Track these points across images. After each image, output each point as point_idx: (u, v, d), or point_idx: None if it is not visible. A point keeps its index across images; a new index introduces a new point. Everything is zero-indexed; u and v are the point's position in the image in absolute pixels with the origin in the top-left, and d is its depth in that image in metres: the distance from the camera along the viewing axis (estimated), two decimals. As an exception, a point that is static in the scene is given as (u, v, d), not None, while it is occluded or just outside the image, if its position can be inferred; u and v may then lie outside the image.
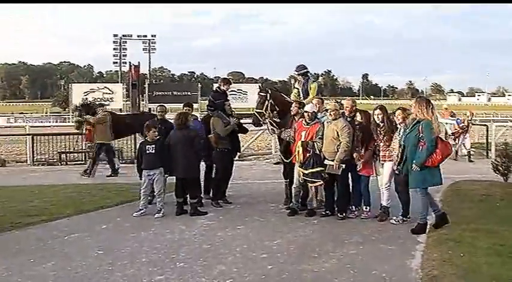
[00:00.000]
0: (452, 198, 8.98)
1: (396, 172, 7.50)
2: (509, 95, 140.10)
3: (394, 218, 7.76)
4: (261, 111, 8.72)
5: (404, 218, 7.69)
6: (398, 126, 7.59)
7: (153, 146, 8.38)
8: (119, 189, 10.52)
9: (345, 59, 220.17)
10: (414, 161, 6.98)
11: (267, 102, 8.71)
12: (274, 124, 8.88)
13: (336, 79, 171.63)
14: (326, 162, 7.94)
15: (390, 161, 7.70)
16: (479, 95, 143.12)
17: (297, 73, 9.44)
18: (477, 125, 22.38)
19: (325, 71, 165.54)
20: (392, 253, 6.36)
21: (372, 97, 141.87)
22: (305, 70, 9.45)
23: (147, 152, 8.40)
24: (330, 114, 7.98)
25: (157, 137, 8.50)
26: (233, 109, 9.57)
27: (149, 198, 8.64)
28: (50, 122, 48.00)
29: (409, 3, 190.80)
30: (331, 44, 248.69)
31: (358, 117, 8.08)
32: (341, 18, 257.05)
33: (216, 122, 9.09)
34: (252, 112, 9.25)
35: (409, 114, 7.53)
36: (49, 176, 13.21)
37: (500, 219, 7.70)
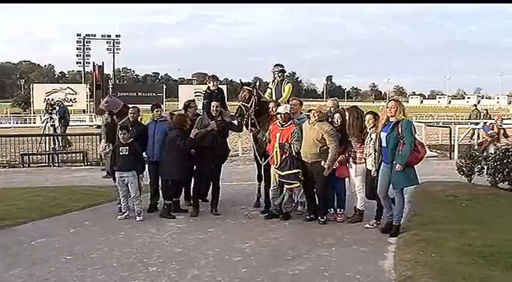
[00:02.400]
0: (421, 200, 9.12)
1: (374, 175, 7.46)
2: (468, 98, 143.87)
3: (370, 222, 7.74)
4: (246, 105, 8.39)
5: (378, 222, 7.70)
6: (368, 131, 7.62)
7: (127, 147, 8.25)
8: (86, 192, 10.27)
9: (308, 61, 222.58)
10: (396, 161, 6.98)
11: (253, 97, 8.44)
12: (255, 122, 8.56)
13: (301, 81, 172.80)
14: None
15: (361, 163, 7.77)
16: (440, 98, 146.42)
17: (278, 69, 9.24)
18: (441, 126, 22.88)
19: (289, 73, 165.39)
20: (364, 254, 6.42)
21: (336, 99, 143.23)
22: (283, 68, 9.32)
23: (121, 153, 8.27)
24: (313, 115, 7.85)
25: (131, 139, 8.35)
26: (222, 110, 8.77)
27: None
28: (10, 123, 46.75)
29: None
30: (294, 45, 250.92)
31: (338, 119, 8.00)
32: (300, 19, 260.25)
33: (196, 122, 8.65)
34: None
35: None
36: (12, 179, 12.79)
37: (467, 219, 7.86)
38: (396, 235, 7.14)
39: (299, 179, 7.96)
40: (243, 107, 8.36)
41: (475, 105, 29.38)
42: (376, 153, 7.31)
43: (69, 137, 18.08)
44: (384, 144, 7.14)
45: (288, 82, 9.35)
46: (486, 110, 27.78)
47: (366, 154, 7.61)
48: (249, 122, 8.54)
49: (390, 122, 7.09)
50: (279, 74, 9.29)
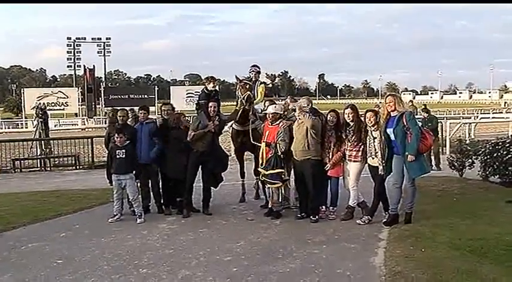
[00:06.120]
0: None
1: (381, 173, 7.53)
2: (460, 93, 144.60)
3: (362, 219, 7.75)
4: (251, 94, 8.81)
5: (370, 218, 7.71)
6: (368, 128, 7.65)
7: (124, 150, 8.23)
8: (77, 196, 10.27)
9: (300, 60, 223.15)
10: (408, 152, 7.16)
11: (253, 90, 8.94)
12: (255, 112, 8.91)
13: (293, 80, 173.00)
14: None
15: (356, 161, 7.78)
16: (432, 93, 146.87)
17: (256, 70, 9.55)
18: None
19: (281, 72, 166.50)
20: (355, 251, 6.44)
21: (328, 97, 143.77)
22: (259, 70, 9.61)
23: (118, 156, 8.25)
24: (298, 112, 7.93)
25: (128, 142, 8.33)
26: (219, 112, 8.83)
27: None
28: (1, 128, 46.67)
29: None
30: (285, 44, 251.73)
31: (332, 117, 8.01)
32: (291, 19, 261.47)
33: (193, 123, 8.76)
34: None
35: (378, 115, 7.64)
36: (3, 184, 12.76)
37: (457, 213, 7.91)
38: (410, 222, 7.37)
39: (281, 179, 8.02)
40: (251, 95, 8.76)
41: (411, 100, 29.17)
42: (382, 151, 7.42)
43: (52, 142, 17.68)
44: (392, 138, 7.31)
45: (261, 83, 9.56)
46: (424, 105, 27.40)
47: (372, 153, 7.64)
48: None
49: (393, 117, 7.30)
50: (255, 75, 9.55)
